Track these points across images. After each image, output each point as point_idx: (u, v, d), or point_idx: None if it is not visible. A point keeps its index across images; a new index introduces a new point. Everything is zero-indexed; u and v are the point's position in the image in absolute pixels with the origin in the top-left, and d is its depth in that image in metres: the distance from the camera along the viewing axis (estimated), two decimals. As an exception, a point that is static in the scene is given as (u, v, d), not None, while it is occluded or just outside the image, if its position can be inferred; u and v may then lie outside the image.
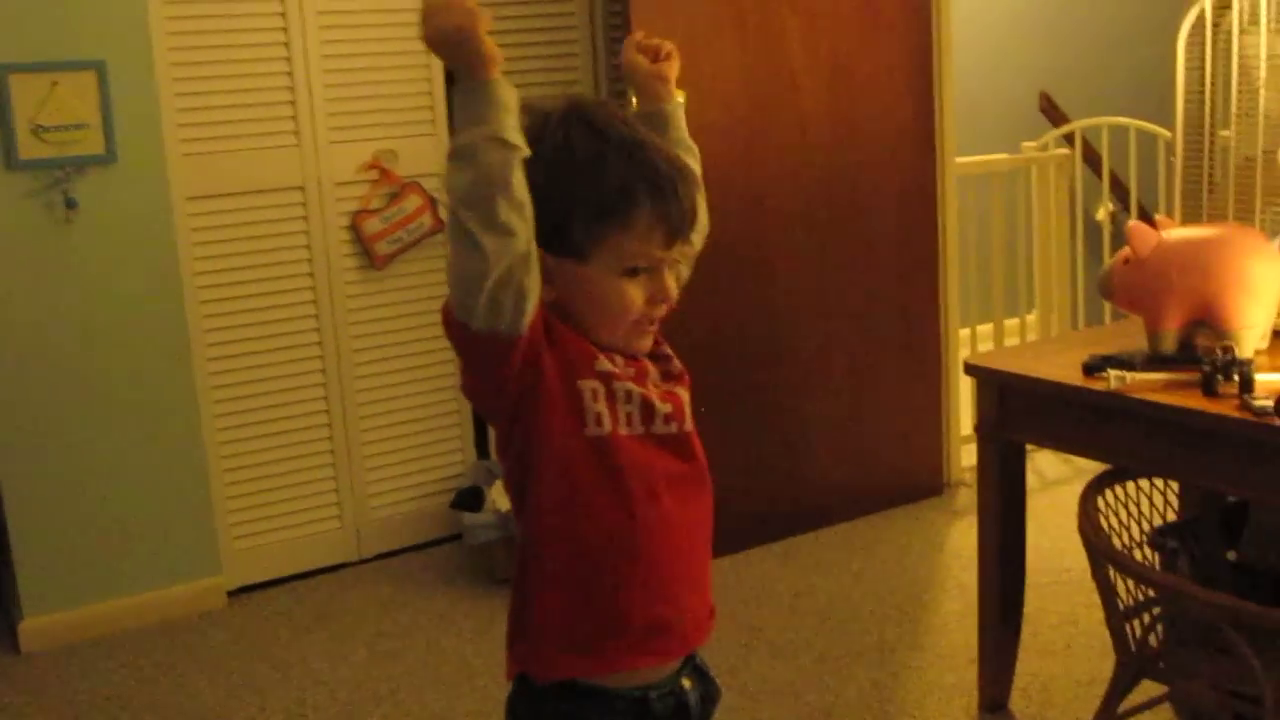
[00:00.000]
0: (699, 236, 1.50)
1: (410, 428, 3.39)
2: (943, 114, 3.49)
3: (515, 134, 1.22)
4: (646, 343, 1.39)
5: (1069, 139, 4.58)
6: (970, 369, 2.33)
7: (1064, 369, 2.18)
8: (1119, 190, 4.67)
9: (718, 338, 3.20)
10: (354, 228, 3.22)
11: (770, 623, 2.89)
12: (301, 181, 3.15)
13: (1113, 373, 2.07)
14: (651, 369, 1.40)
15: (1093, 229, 4.67)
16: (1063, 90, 5.24)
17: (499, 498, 3.18)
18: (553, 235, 1.29)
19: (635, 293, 1.33)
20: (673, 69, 1.54)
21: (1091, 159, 4.62)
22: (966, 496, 3.60)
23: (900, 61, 3.39)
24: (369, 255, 3.24)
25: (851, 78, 3.31)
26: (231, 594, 3.17)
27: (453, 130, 1.23)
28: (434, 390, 3.40)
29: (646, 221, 1.31)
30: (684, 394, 1.42)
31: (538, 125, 1.30)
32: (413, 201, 3.26)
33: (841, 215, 3.35)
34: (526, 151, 1.23)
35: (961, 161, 3.67)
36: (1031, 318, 4.38)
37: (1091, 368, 2.14)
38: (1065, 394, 2.13)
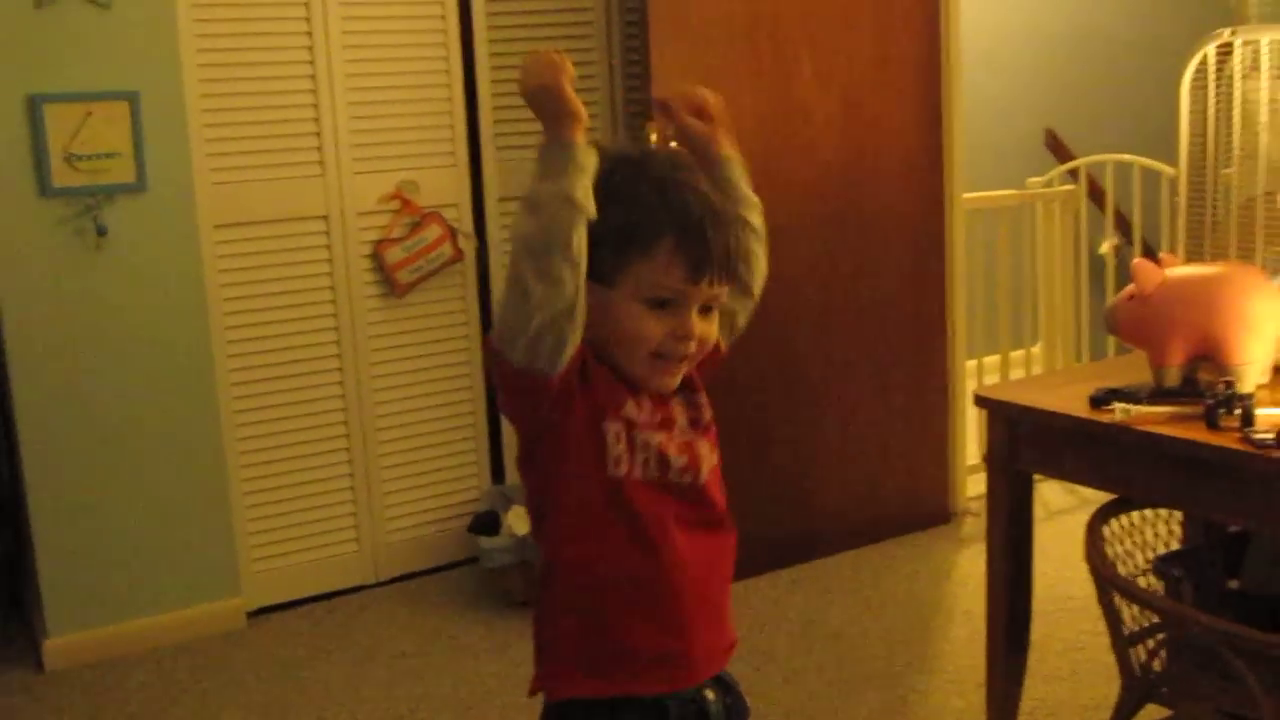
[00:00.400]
0: (757, 284, 1.58)
1: (427, 453, 3.45)
2: (951, 150, 3.57)
3: (585, 195, 1.31)
4: (670, 381, 1.44)
5: (1074, 175, 4.66)
6: (980, 401, 2.39)
7: (1071, 401, 2.25)
8: (1123, 226, 4.74)
9: (731, 368, 3.24)
10: (376, 256, 3.29)
11: (781, 647, 2.95)
12: (325, 211, 3.23)
13: (1119, 406, 2.13)
14: (680, 416, 1.46)
15: (1096, 263, 4.74)
16: (1068, 128, 5.33)
17: (515, 522, 3.24)
18: (589, 253, 1.36)
19: (654, 324, 1.39)
20: (721, 125, 1.62)
21: (1096, 195, 4.69)
22: (972, 525, 3.67)
23: (910, 98, 3.47)
24: (390, 283, 3.31)
25: (863, 114, 3.39)
26: (251, 615, 3.22)
27: (536, 173, 1.32)
28: (451, 416, 3.47)
29: (667, 252, 1.37)
30: (705, 447, 1.49)
31: (598, 164, 1.38)
32: (433, 231, 3.33)
33: (853, 249, 3.42)
34: (593, 214, 1.31)
35: (969, 197, 3.75)
36: (1036, 350, 4.45)
37: (1098, 400, 2.20)
38: (1073, 426, 2.19)
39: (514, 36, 3.39)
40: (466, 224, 3.42)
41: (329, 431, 3.31)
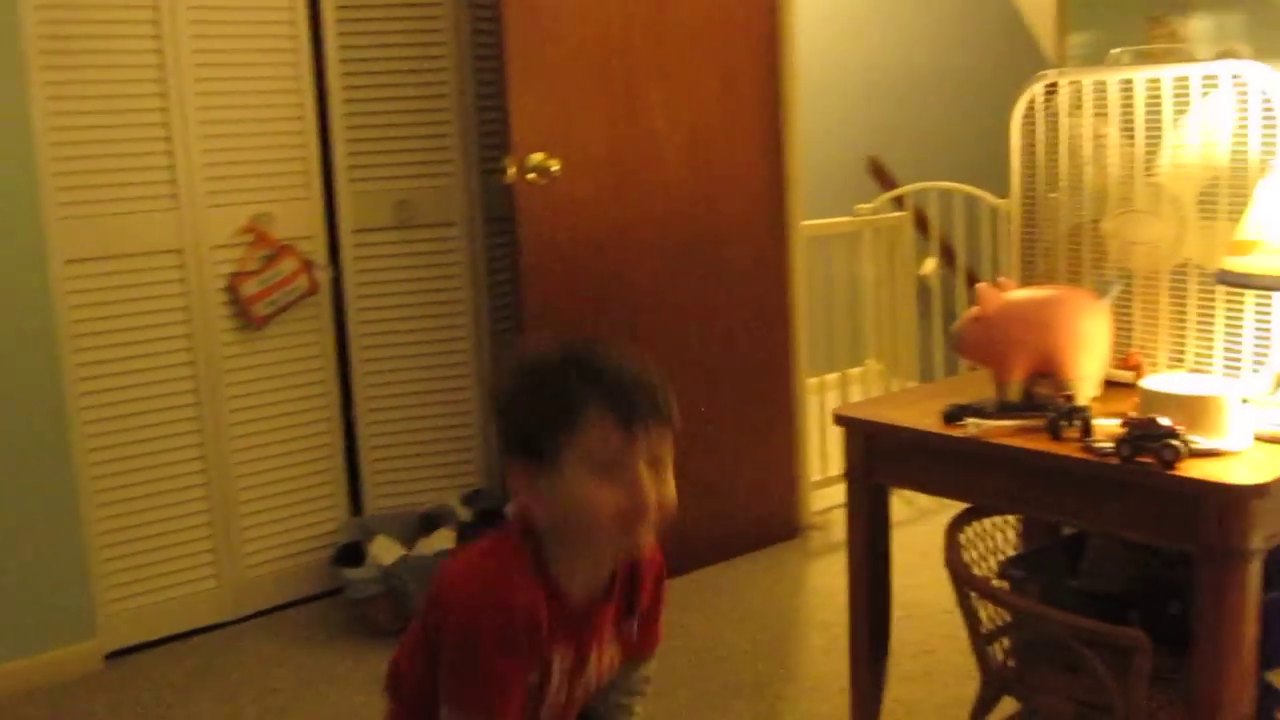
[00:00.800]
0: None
1: (286, 485, 3.43)
2: (791, 180, 3.73)
3: None
4: (640, 544, 1.54)
5: (898, 202, 4.90)
6: (840, 419, 2.53)
7: (924, 417, 2.40)
8: (945, 250, 5.01)
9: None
10: (231, 289, 3.27)
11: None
12: (179, 244, 3.19)
13: (970, 421, 2.29)
14: (610, 620, 1.61)
15: (922, 286, 5.00)
16: (891, 157, 5.60)
17: (380, 553, 3.25)
18: (525, 447, 1.48)
19: (606, 495, 1.46)
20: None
21: (919, 222, 4.95)
22: (819, 539, 3.83)
23: (753, 130, 3.63)
24: (246, 317, 3.29)
25: (710, 147, 3.52)
26: (109, 657, 3.15)
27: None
28: (309, 449, 3.46)
29: (597, 415, 1.45)
30: (617, 653, 1.66)
31: (517, 365, 1.54)
32: (289, 264, 3.32)
33: (701, 275, 3.55)
34: None
35: (808, 224, 3.92)
36: (864, 367, 4.66)
37: (950, 416, 2.36)
38: (928, 440, 2.34)
39: (367, 70, 3.42)
40: (321, 256, 3.42)
41: (185, 468, 3.26)
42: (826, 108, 5.51)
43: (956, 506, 2.52)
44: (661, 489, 1.50)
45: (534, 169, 3.15)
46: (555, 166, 3.16)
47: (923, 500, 3.89)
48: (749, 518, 3.74)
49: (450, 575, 1.56)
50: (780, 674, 2.96)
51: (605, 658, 1.62)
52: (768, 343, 3.74)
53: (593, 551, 1.55)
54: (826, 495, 4.12)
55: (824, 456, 4.17)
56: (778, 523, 3.80)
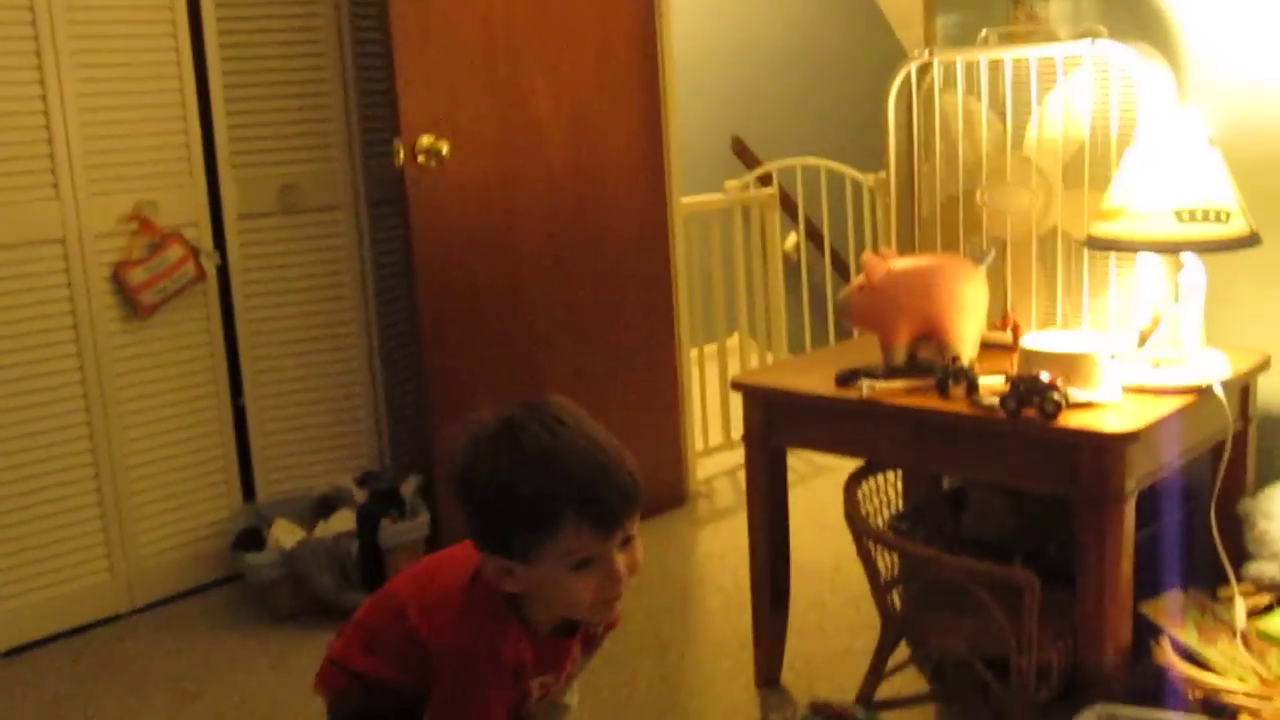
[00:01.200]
0: None
1: (177, 475, 3.41)
2: (670, 158, 3.84)
3: None
4: (612, 618, 1.66)
5: (764, 180, 5.05)
6: (737, 386, 2.65)
7: (818, 382, 2.53)
8: (810, 225, 5.18)
9: (478, 368, 3.41)
10: (116, 279, 3.24)
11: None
12: (62, 234, 3.15)
13: (864, 382, 2.44)
14: (576, 647, 1.70)
15: (789, 259, 5.17)
16: (754, 134, 5.75)
17: (281, 536, 3.26)
18: (499, 545, 1.52)
19: (583, 586, 1.52)
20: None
21: (783, 198, 5.11)
22: (706, 506, 3.96)
23: (632, 111, 3.71)
24: (133, 305, 3.26)
25: (591, 127, 3.60)
26: (4, 655, 3.10)
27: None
28: (200, 436, 3.44)
29: (573, 524, 1.49)
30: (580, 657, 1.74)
31: (472, 449, 1.52)
32: (175, 252, 3.30)
33: (586, 253, 3.64)
34: None
35: (686, 201, 4.03)
36: (734, 342, 4.81)
37: (844, 379, 2.50)
38: (824, 403, 2.48)
39: (247, 53, 3.41)
40: (207, 243, 3.40)
41: (74, 460, 3.22)
42: (692, 87, 5.63)
43: (834, 471, 2.66)
44: (632, 557, 1.57)
45: (424, 151, 3.19)
46: (445, 149, 3.21)
47: (800, 467, 4.05)
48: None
49: (443, 630, 1.60)
50: (681, 635, 3.08)
51: (573, 667, 1.74)
52: (652, 316, 3.85)
53: (561, 616, 1.64)
54: (710, 464, 4.26)
55: (705, 426, 4.30)
56: (666, 491, 3.92)
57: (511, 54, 3.40)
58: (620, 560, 1.54)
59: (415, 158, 3.19)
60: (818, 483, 3.96)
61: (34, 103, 3.07)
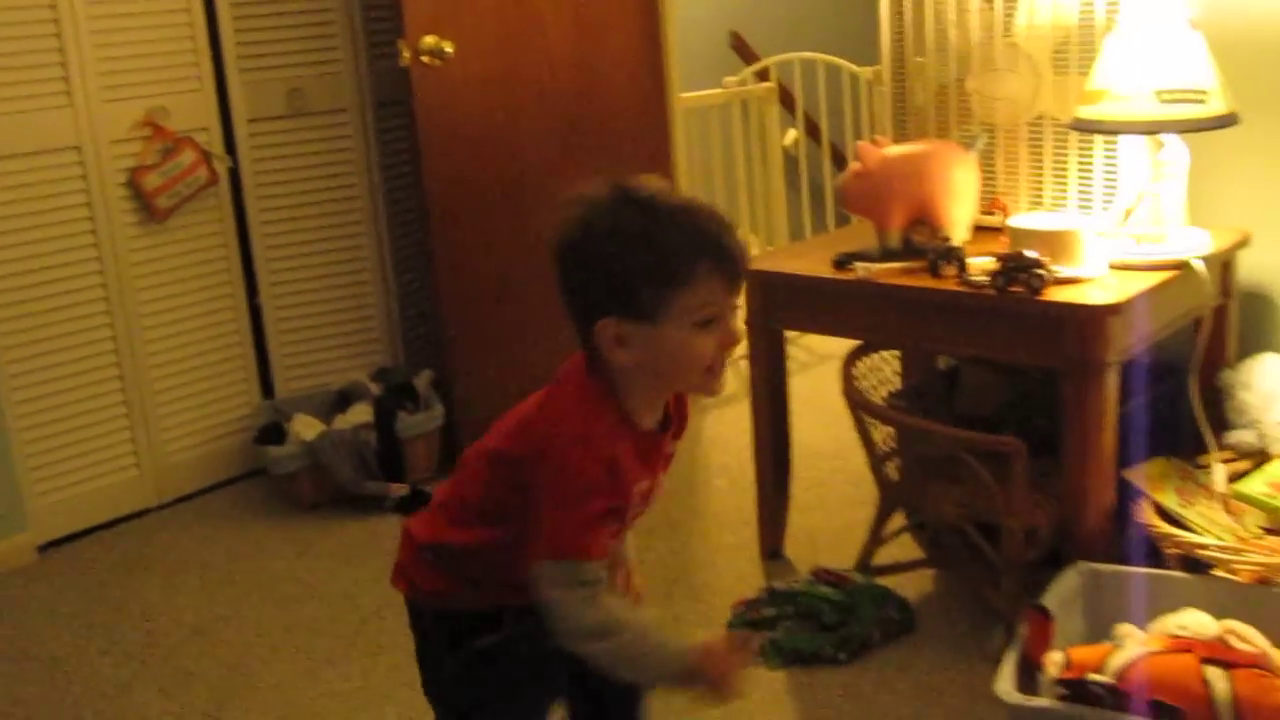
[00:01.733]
0: None
1: (199, 373, 3.53)
2: (668, 54, 3.89)
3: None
4: (719, 385, 1.55)
5: (762, 76, 5.10)
6: (738, 273, 2.74)
7: (816, 266, 2.64)
8: (809, 120, 5.24)
9: (485, 263, 3.50)
10: (132, 184, 3.32)
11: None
12: (77, 141, 3.23)
13: (860, 265, 2.54)
14: (668, 447, 1.61)
15: (792, 154, 5.23)
16: (751, 29, 5.78)
17: (301, 429, 3.39)
18: (623, 303, 1.46)
19: (707, 343, 1.48)
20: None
21: (783, 93, 5.16)
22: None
23: (629, 8, 3.76)
24: (150, 210, 3.35)
25: (591, 25, 3.65)
26: (41, 549, 3.25)
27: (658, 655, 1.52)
28: (218, 335, 3.56)
29: (706, 275, 1.46)
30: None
31: (589, 211, 1.49)
32: (188, 156, 3.38)
33: (590, 149, 3.70)
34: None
35: (685, 96, 4.10)
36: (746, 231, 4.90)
37: (840, 263, 2.60)
38: (822, 285, 2.59)
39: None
40: (218, 147, 3.48)
41: (99, 360, 3.33)
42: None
43: (836, 360, 2.77)
44: (738, 325, 1.55)
45: (427, 51, 3.25)
46: (448, 48, 3.27)
47: (802, 356, 4.16)
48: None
49: (554, 429, 1.53)
50: (689, 513, 3.22)
51: (663, 474, 1.66)
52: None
53: (667, 392, 1.57)
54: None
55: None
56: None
57: (510, -48, 3.44)
58: (737, 323, 1.53)
59: (419, 58, 3.25)
60: (820, 370, 4.07)
61: (44, 11, 3.13)
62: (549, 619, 1.49)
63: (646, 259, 1.46)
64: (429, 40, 3.25)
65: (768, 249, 4.72)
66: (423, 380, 3.56)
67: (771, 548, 2.89)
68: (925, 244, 2.56)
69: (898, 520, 2.76)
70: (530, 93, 3.54)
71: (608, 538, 1.53)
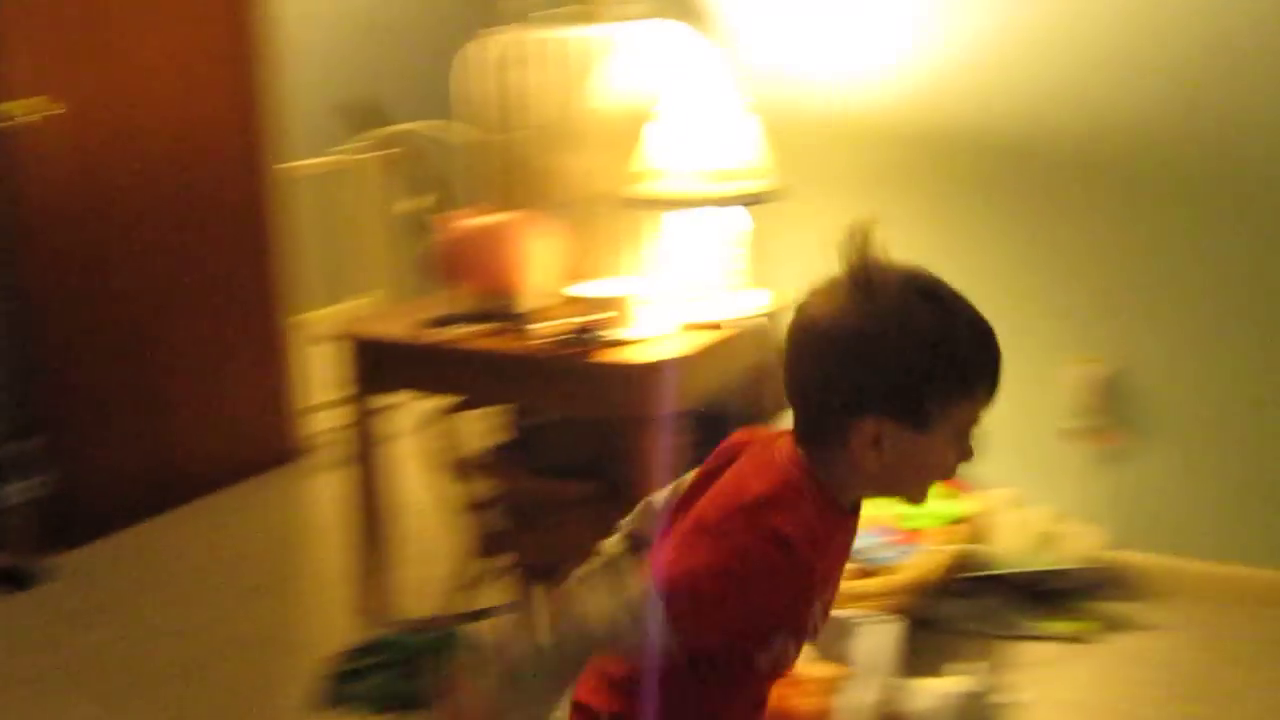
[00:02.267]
0: None
1: None
2: (270, 127, 3.97)
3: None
4: (925, 493, 1.46)
5: (382, 143, 5.21)
6: (339, 338, 2.85)
7: (411, 329, 2.78)
8: (428, 186, 5.39)
9: (80, 350, 3.51)
10: None
11: (184, 581, 3.27)
12: None
13: (448, 329, 2.70)
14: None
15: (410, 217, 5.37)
16: (381, 97, 5.89)
17: None
18: (900, 406, 1.35)
19: (954, 454, 1.41)
20: None
21: (400, 161, 5.29)
22: (315, 460, 4.14)
23: (229, 85, 3.85)
24: None
25: (196, 99, 3.73)
26: None
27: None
28: None
29: (984, 392, 1.40)
30: None
31: (870, 297, 1.36)
32: None
33: (197, 222, 3.77)
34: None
35: (298, 165, 4.19)
36: (369, 301, 5.00)
37: (432, 326, 2.75)
38: (415, 350, 2.73)
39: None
40: None
41: None
42: (305, 53, 5.71)
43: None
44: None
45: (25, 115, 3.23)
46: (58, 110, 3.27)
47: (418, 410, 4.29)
48: (248, 445, 3.98)
49: (788, 527, 1.38)
50: (295, 574, 3.29)
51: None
52: (261, 280, 3.99)
53: (881, 494, 1.47)
54: (317, 421, 4.42)
55: (310, 387, 4.45)
56: (278, 448, 4.07)
57: (122, 21, 3.48)
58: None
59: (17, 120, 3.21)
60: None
61: None
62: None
63: (942, 367, 1.36)
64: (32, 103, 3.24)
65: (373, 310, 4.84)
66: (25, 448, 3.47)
67: (369, 604, 2.98)
68: (494, 310, 2.75)
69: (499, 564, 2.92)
70: (128, 179, 3.57)
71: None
